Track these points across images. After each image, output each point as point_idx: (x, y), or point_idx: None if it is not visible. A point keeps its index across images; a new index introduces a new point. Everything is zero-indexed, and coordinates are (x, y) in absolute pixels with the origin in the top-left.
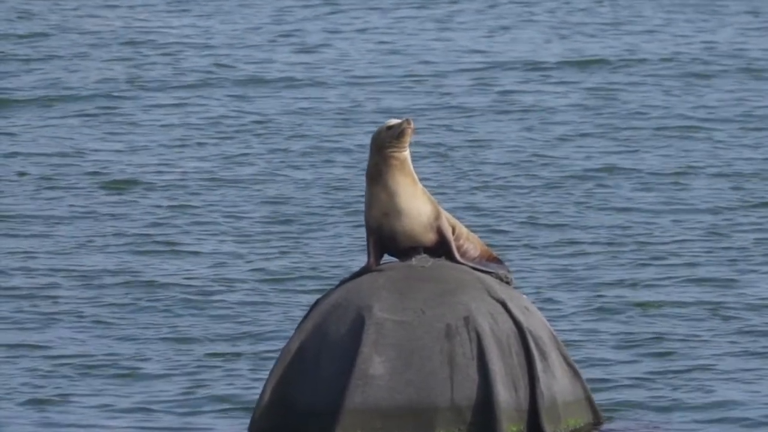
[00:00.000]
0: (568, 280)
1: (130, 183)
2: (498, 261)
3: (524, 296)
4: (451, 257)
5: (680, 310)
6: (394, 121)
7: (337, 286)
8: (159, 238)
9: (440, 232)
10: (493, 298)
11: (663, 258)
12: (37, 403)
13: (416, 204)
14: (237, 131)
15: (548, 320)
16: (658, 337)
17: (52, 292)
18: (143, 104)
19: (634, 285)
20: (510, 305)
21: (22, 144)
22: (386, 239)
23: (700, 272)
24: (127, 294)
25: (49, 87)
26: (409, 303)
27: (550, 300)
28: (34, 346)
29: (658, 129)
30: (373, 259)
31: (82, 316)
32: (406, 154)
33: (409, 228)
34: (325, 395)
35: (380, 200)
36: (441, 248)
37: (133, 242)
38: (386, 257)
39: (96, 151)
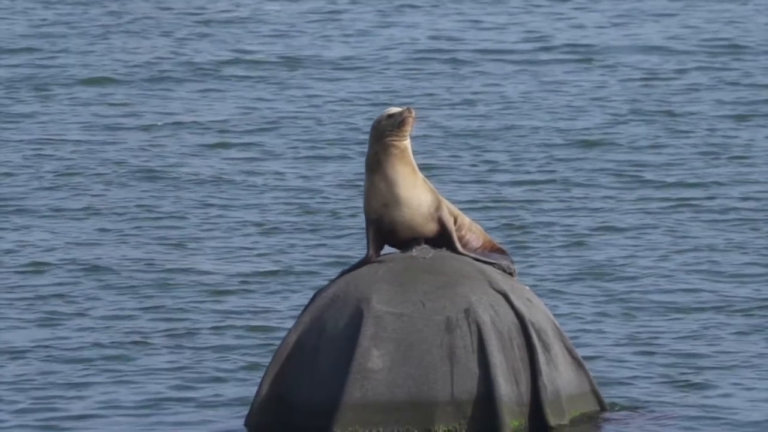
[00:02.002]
0: (591, 272)
1: (157, 173)
2: (501, 251)
3: (527, 287)
4: (452, 248)
5: (700, 306)
6: (394, 110)
7: (337, 278)
8: (181, 231)
9: (441, 223)
10: (495, 289)
11: (688, 252)
12: (42, 397)
13: (416, 193)
14: (271, 120)
15: (567, 312)
16: (676, 333)
17: (64, 286)
18: (178, 93)
19: (656, 279)
20: (512, 297)
21: (52, 128)
22: (386, 230)
23: (727, 268)
24: (141, 287)
25: (91, 71)
26: (408, 295)
27: (569, 292)
28: (40, 339)
29: (703, 118)
30: (372, 250)
31: (91, 308)
32: (407, 143)
33: (409, 218)
34: (323, 390)
35: (379, 190)
36: (442, 239)
37: (154, 234)
38: (387, 248)
39: (124, 139)
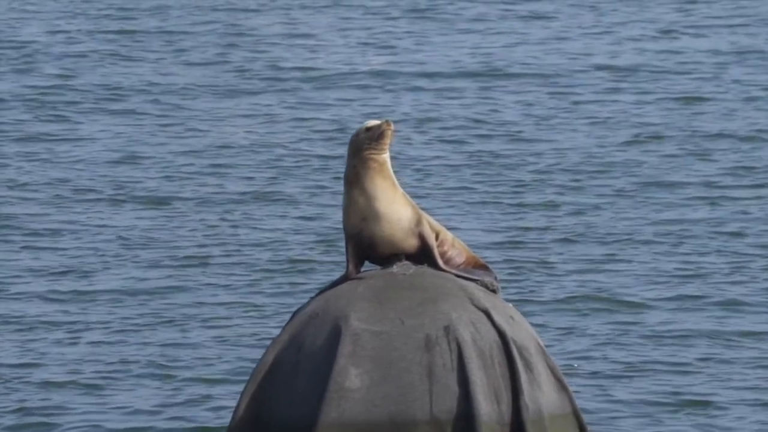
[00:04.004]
0: (599, 297)
1: (170, 197)
2: (485, 268)
3: (510, 305)
4: (433, 264)
5: (699, 335)
6: (373, 122)
7: (316, 295)
8: (190, 257)
9: (422, 238)
10: (476, 306)
11: (698, 279)
12: (23, 423)
13: (396, 208)
14: (296, 139)
15: (568, 337)
16: (672, 362)
17: (50, 314)
18: (199, 112)
19: (662, 308)
20: (494, 314)
21: (67, 147)
22: (365, 246)
23: (734, 298)
24: (132, 313)
25: (118, 90)
26: (387, 312)
27: (576, 315)
28: (27, 364)
29: (732, 140)
30: (352, 267)
31: (78, 336)
32: (386, 156)
33: (389, 233)
34: (300, 409)
35: (358, 204)
36: (423, 255)
37: (155, 258)
38: (369, 265)
39: (140, 158)
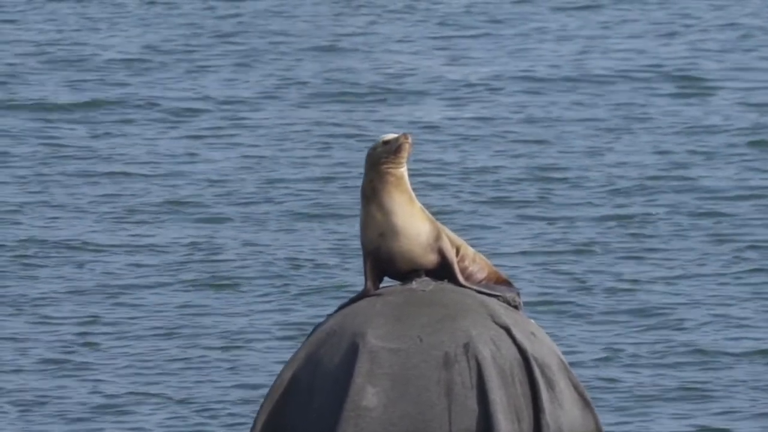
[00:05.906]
0: (637, 315)
1: (219, 214)
2: (507, 283)
3: (532, 321)
4: (454, 280)
5: (743, 359)
6: (390, 136)
7: (335, 312)
8: (231, 277)
9: (442, 253)
10: (497, 323)
11: (748, 302)
12: None
13: (414, 223)
14: (345, 156)
15: (605, 356)
16: (714, 385)
17: (74, 335)
18: (262, 123)
19: (708, 328)
20: (514, 331)
21: (120, 160)
22: (384, 262)
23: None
24: (166, 334)
25: (182, 100)
26: (405, 329)
27: (613, 334)
28: (57, 385)
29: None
30: (370, 283)
31: (97, 359)
32: (403, 170)
33: (407, 249)
34: (317, 428)
35: (375, 219)
36: (443, 270)
37: (202, 278)
38: (388, 281)
39: (190, 173)
